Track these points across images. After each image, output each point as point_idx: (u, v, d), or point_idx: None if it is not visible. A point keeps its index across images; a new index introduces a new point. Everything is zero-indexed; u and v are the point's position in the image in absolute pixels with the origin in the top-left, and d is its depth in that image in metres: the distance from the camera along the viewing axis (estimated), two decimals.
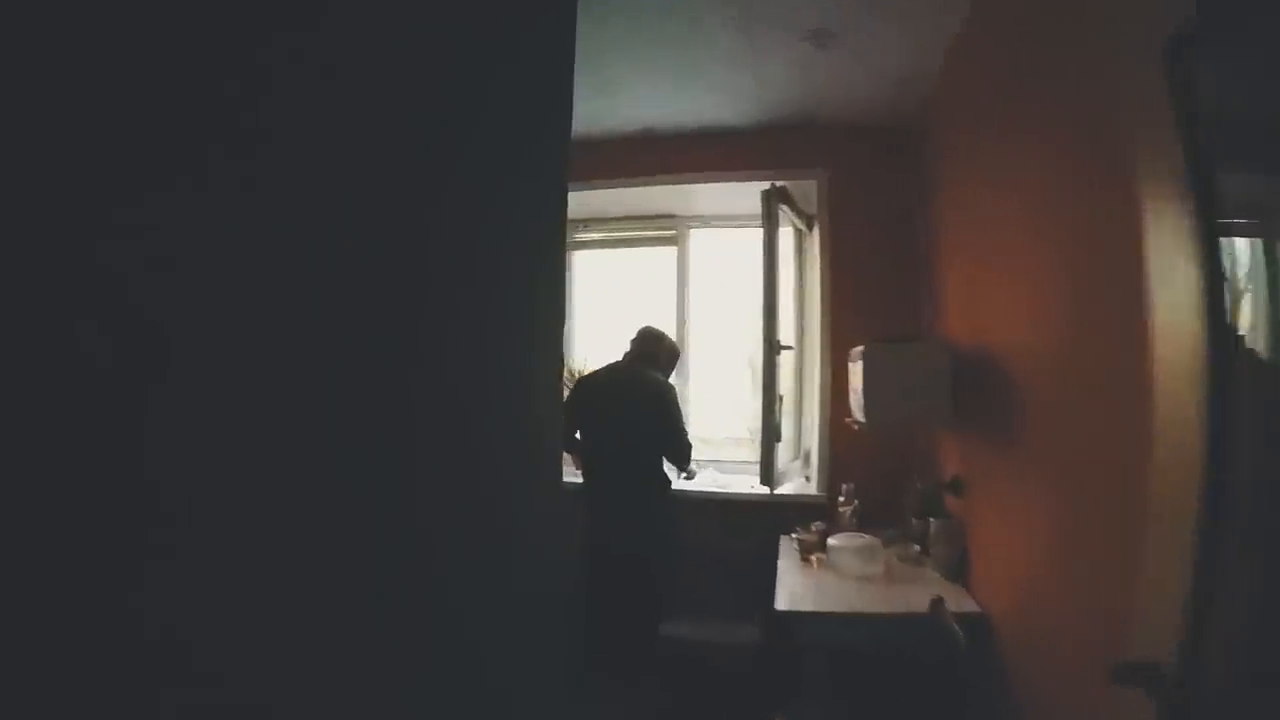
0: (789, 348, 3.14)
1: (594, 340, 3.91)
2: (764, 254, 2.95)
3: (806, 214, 3.48)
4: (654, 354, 3.13)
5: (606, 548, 2.91)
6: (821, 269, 3.34)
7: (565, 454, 3.10)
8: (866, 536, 2.66)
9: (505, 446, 0.68)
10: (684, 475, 3.30)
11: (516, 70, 0.66)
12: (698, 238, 3.92)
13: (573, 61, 0.74)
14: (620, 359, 3.13)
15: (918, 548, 2.68)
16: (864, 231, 3.35)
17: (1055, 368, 1.72)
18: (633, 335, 3.17)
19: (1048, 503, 1.77)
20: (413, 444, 0.54)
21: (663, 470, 3.05)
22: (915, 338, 2.88)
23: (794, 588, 2.47)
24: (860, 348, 2.48)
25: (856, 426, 2.64)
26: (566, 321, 3.88)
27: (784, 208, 3.12)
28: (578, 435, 3.06)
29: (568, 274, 4.00)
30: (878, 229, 3.34)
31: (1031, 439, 1.89)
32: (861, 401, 2.44)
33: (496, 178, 0.65)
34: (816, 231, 3.43)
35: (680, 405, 3.12)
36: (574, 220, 3.99)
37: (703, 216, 3.88)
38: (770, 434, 2.84)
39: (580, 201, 3.78)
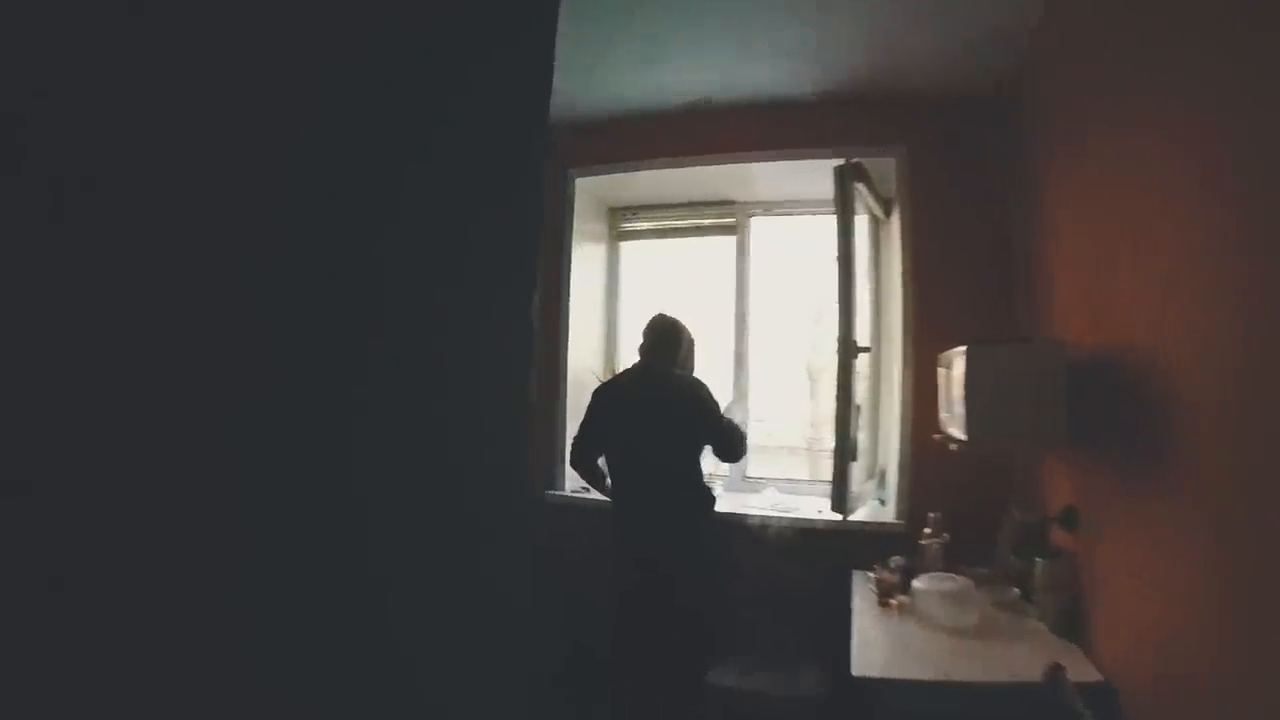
0: (866, 349, 2.71)
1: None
2: (839, 238, 2.53)
3: (883, 198, 3.03)
4: (673, 346, 2.72)
5: (640, 578, 2.54)
6: (902, 260, 2.88)
7: (578, 471, 2.76)
8: (958, 578, 2.20)
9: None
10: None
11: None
12: (759, 226, 3.51)
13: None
14: (638, 360, 2.74)
15: (1017, 591, 2.21)
16: (950, 216, 2.88)
17: (1226, 377, 1.27)
18: (645, 328, 2.78)
19: (1206, 545, 1.34)
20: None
21: (705, 484, 2.66)
22: (1023, 339, 2.41)
23: (871, 638, 2.05)
24: (960, 349, 2.03)
25: (953, 445, 2.18)
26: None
27: (860, 187, 2.69)
28: (600, 456, 2.71)
29: (614, 267, 3.66)
30: (966, 213, 2.86)
31: (1184, 463, 1.43)
32: (961, 414, 1.99)
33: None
34: (895, 218, 2.97)
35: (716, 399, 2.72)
36: (620, 208, 3.65)
37: (764, 202, 3.47)
38: (845, 451, 2.41)
39: (625, 186, 3.43)
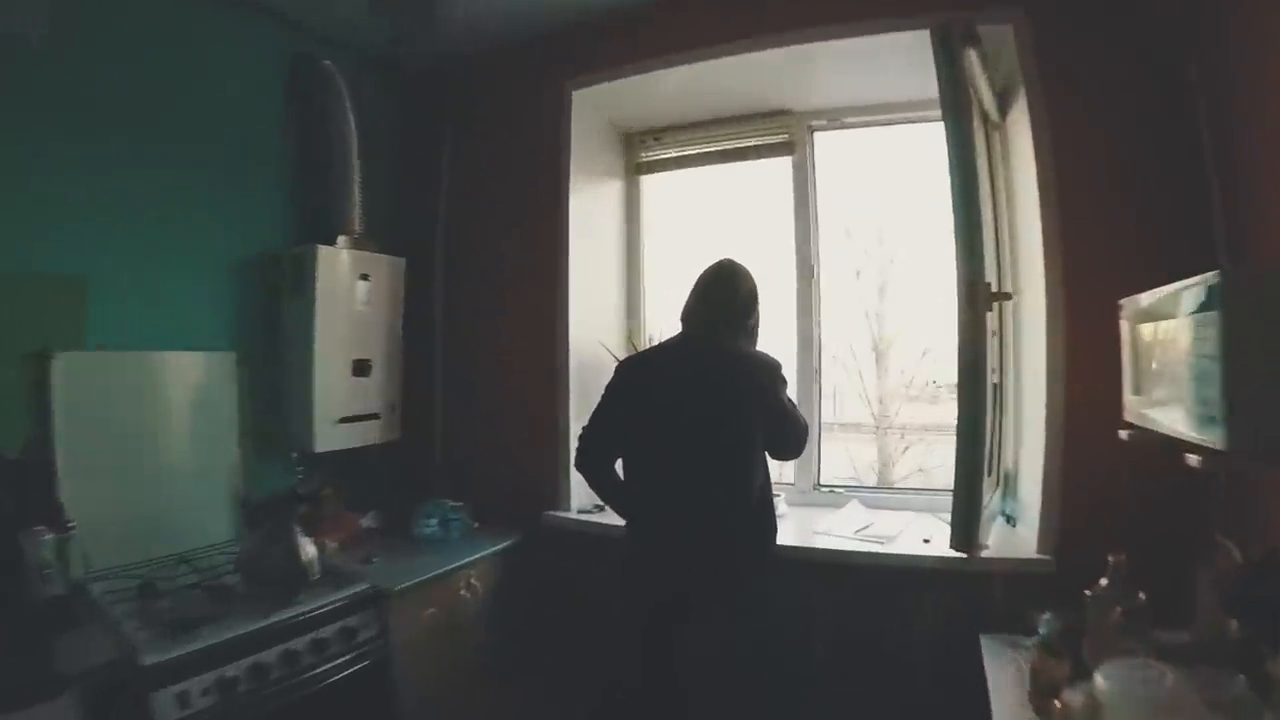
0: (1006, 296, 1.80)
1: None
2: (951, 135, 1.63)
3: (995, 89, 2.09)
4: (730, 307, 1.89)
5: (663, 639, 1.78)
6: (1040, 171, 1.94)
7: (585, 475, 1.96)
8: (1161, 670, 1.34)
9: None
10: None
11: None
12: (824, 143, 2.61)
13: None
14: (682, 329, 1.93)
15: (1243, 680, 1.33)
16: (1100, 104, 1.92)
17: None
18: (695, 284, 1.95)
19: None
20: None
21: (765, 501, 1.85)
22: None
23: None
24: (1192, 283, 1.14)
25: (1193, 460, 1.27)
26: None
27: (974, 59, 1.77)
28: (618, 456, 1.93)
29: (633, 208, 2.84)
30: (1125, 98, 1.90)
31: None
32: (1208, 400, 1.09)
33: None
34: (1018, 116, 2.04)
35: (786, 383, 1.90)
36: (638, 133, 2.80)
37: (830, 110, 2.55)
38: (976, 462, 1.55)
39: (643, 102, 2.59)
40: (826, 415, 2.86)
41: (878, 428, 6.33)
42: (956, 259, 1.63)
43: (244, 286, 2.31)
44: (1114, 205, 1.90)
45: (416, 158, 2.81)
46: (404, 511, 2.43)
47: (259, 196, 2.37)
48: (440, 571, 2.15)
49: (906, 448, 6.28)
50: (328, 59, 2.46)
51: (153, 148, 2.06)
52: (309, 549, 1.94)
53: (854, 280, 5.39)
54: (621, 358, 2.45)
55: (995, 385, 1.68)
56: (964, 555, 1.71)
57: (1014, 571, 1.87)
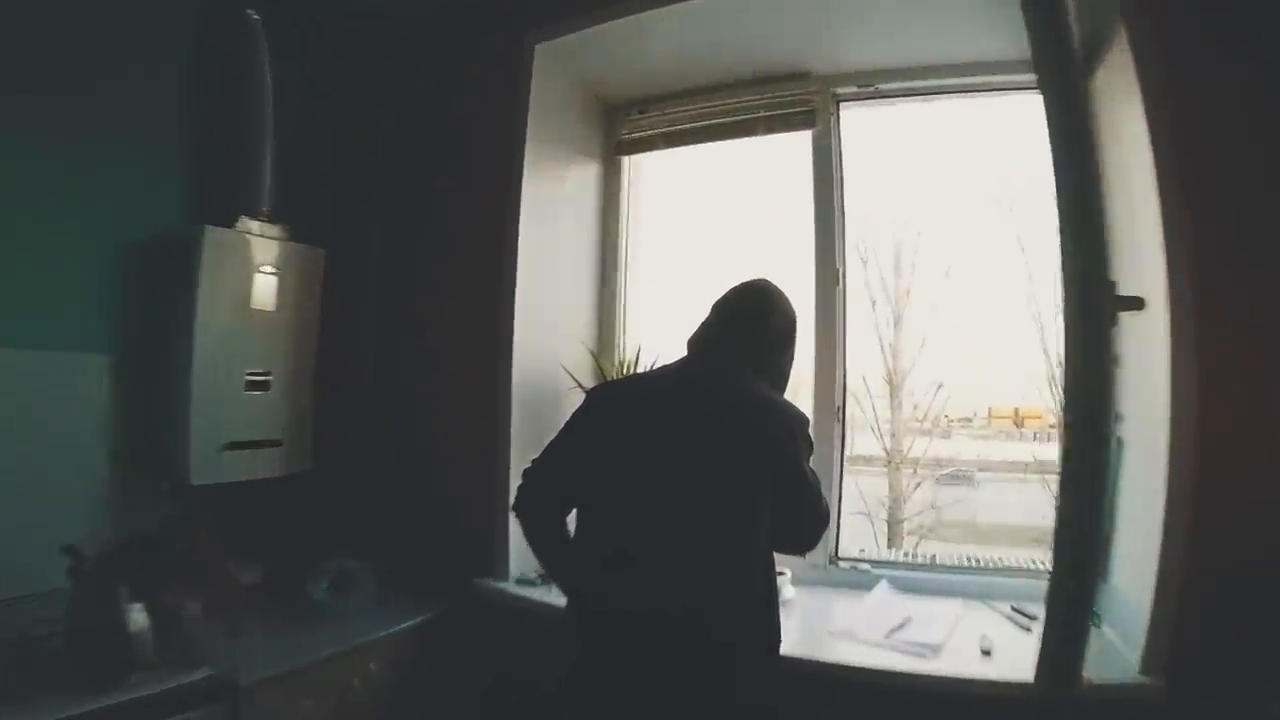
0: (1138, 303, 1.23)
1: (666, 314, 2.21)
2: (1049, 101, 1.08)
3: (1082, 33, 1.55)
4: (757, 339, 1.40)
5: None
6: (1156, 147, 1.38)
7: (524, 523, 1.42)
8: None
9: None
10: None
11: None
12: (853, 117, 2.08)
13: None
14: (688, 354, 1.43)
15: None
16: (1231, 41, 1.38)
17: None
18: (715, 304, 1.46)
19: None
20: None
21: (765, 587, 1.27)
22: None
23: None
24: None
25: None
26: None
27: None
28: (571, 506, 1.39)
29: (611, 195, 2.32)
30: (1243, 52, 1.37)
31: None
32: None
33: None
34: (1111, 70, 1.50)
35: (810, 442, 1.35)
36: (622, 104, 2.30)
37: (861, 74, 2.02)
38: (1092, 554, 0.97)
39: (628, 62, 2.09)
40: None
41: (890, 462, 5.98)
42: (1063, 252, 1.08)
43: (127, 277, 1.87)
44: (1252, 192, 1.35)
45: (351, 130, 2.31)
46: (303, 566, 1.89)
47: (155, 168, 1.93)
48: (327, 654, 1.62)
49: (919, 484, 5.94)
50: (252, 8, 2.01)
51: (7, 101, 1.64)
52: (139, 618, 1.47)
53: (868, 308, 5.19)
54: (588, 384, 1.92)
55: (1119, 443, 1.12)
56: (1057, 690, 1.13)
57: (1107, 701, 1.27)
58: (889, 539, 5.99)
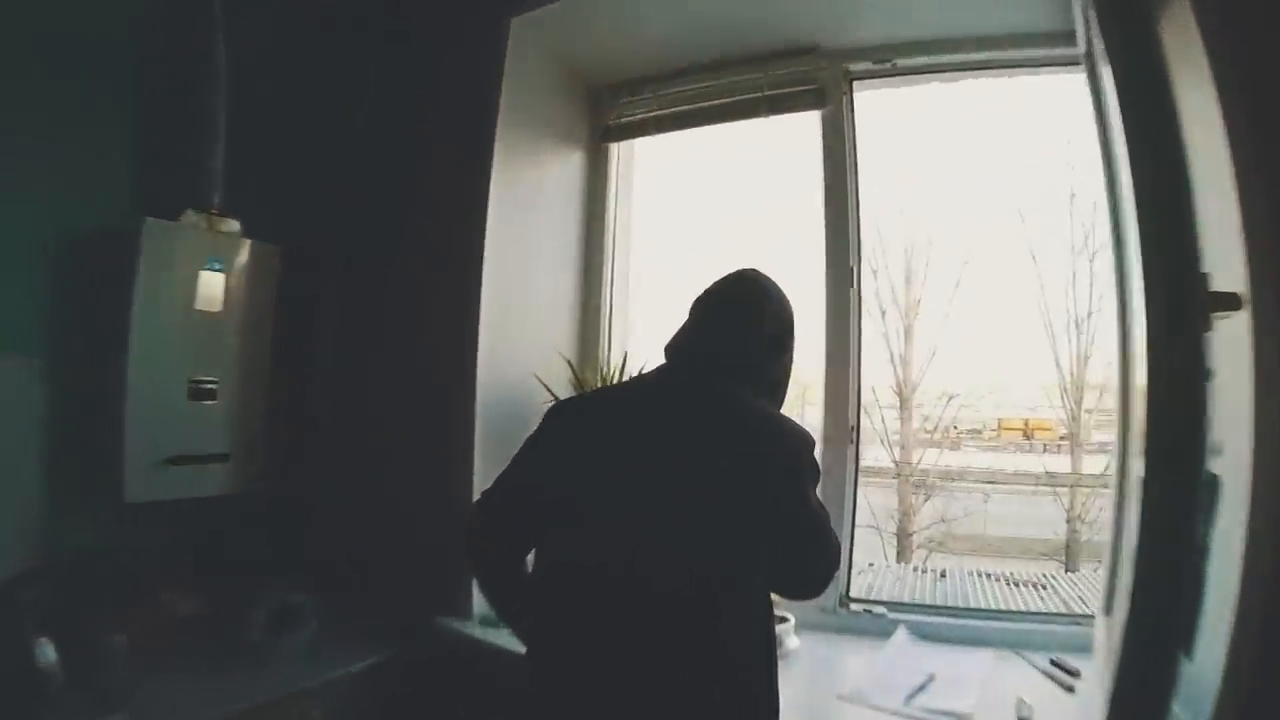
0: (1234, 302, 0.99)
1: (658, 319, 1.99)
2: (1116, 71, 0.89)
3: None
4: (748, 342, 1.15)
5: None
6: (1227, 119, 1.13)
7: (476, 563, 1.19)
8: None
9: None
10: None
11: None
12: (868, 99, 1.86)
13: None
14: (666, 363, 1.17)
15: None
16: None
17: None
18: (696, 301, 1.21)
19: None
20: None
21: (764, 660, 1.03)
22: None
23: None
24: None
25: None
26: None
27: None
28: (530, 544, 1.15)
29: (596, 187, 2.11)
30: None
31: None
32: None
33: None
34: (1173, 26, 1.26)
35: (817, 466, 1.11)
36: (610, 85, 2.09)
37: (876, 48, 1.80)
38: (1165, 632, 0.76)
39: (617, 39, 1.89)
40: None
41: (899, 475, 5.90)
42: (1143, 246, 0.87)
43: (62, 273, 1.69)
44: None
45: (314, 116, 2.11)
46: (246, 597, 1.70)
47: (95, 156, 1.74)
48: (263, 700, 1.43)
49: (928, 497, 5.82)
50: None
51: None
52: (48, 653, 1.33)
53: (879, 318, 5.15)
54: (563, 396, 1.70)
55: (1216, 482, 0.88)
56: None
57: None
58: (898, 553, 5.88)
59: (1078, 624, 1.50)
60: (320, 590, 1.70)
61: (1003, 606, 2.27)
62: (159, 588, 1.70)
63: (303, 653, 1.60)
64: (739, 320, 1.15)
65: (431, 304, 1.80)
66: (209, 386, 1.77)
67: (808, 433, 1.10)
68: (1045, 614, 1.60)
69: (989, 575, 3.69)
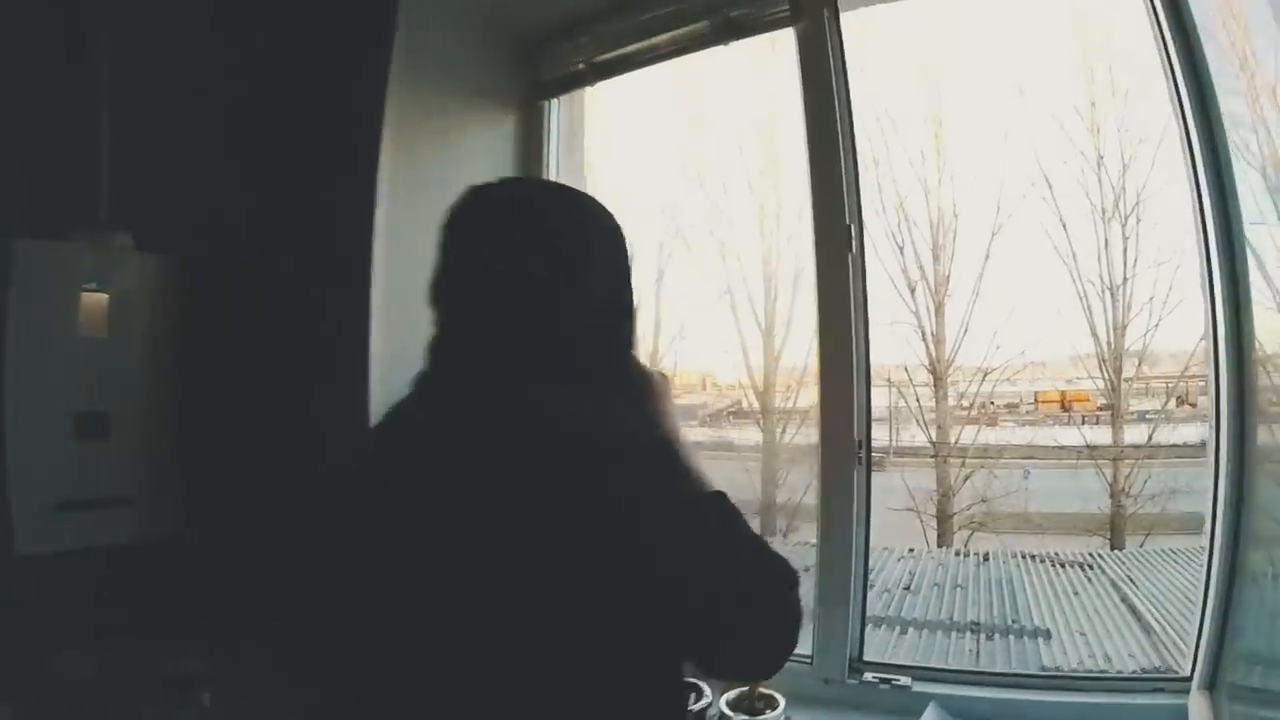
0: None
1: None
2: None
3: None
4: (508, 301, 0.70)
5: None
6: None
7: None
8: None
9: None
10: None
11: None
12: (855, 20, 1.46)
13: None
14: (427, 368, 0.73)
15: None
16: None
17: None
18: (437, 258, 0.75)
19: None
20: None
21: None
22: None
23: None
24: None
25: None
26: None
27: None
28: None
29: (531, 152, 1.76)
30: None
31: None
32: None
33: None
34: None
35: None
36: (543, 36, 1.73)
37: None
38: None
39: None
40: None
41: (936, 454, 5.62)
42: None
43: None
44: None
45: (216, 107, 1.81)
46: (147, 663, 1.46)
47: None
48: None
49: (968, 475, 5.43)
50: None
51: None
52: None
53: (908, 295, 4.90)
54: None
55: None
56: None
57: None
58: (939, 536, 5.55)
59: (1160, 690, 1.09)
60: (231, 657, 1.44)
61: (1051, 625, 1.88)
62: (55, 651, 1.50)
63: None
64: (492, 268, 0.72)
65: (323, 309, 1.50)
66: (101, 418, 1.55)
67: (652, 381, 0.77)
68: (1118, 678, 1.19)
69: (1033, 556, 3.36)
